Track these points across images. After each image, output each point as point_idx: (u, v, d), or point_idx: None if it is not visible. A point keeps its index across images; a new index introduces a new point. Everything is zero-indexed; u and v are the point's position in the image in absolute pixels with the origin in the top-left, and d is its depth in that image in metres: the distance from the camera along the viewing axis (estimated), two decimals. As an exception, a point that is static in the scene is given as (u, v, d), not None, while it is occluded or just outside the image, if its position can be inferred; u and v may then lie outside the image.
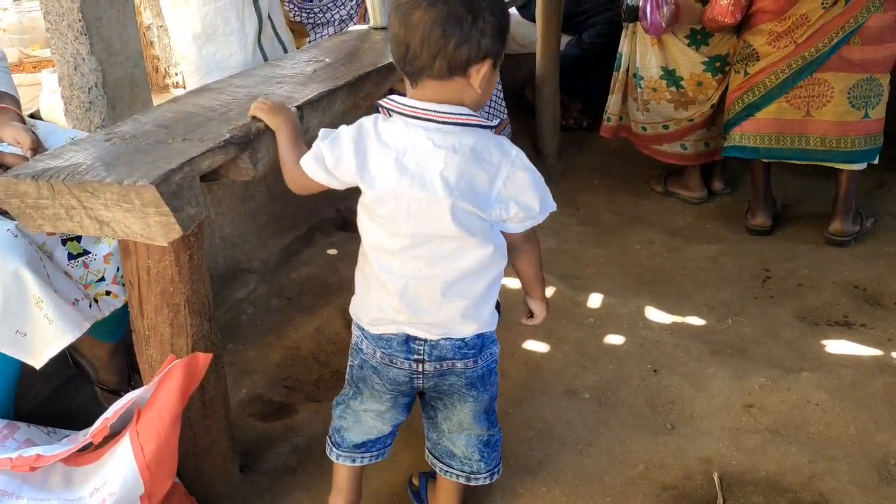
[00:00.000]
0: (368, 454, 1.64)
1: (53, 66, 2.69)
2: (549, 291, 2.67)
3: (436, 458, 1.64)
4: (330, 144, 1.37)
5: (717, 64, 3.06)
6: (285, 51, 2.77)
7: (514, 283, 2.69)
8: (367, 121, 1.38)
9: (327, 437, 1.67)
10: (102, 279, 1.67)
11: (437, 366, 1.46)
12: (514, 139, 3.60)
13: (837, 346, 2.32)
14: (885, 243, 2.92)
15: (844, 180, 2.91)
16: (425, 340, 1.45)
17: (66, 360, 2.02)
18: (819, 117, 2.81)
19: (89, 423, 1.48)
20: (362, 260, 1.48)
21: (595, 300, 2.61)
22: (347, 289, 2.66)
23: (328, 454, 1.66)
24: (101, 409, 1.55)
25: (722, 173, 3.43)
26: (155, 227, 1.29)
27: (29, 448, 1.49)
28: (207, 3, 2.50)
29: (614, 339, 2.39)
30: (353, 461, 1.64)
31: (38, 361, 1.57)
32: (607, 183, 3.58)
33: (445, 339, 1.45)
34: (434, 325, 1.43)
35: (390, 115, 1.36)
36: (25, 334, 1.54)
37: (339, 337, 2.42)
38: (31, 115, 2.33)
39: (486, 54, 1.30)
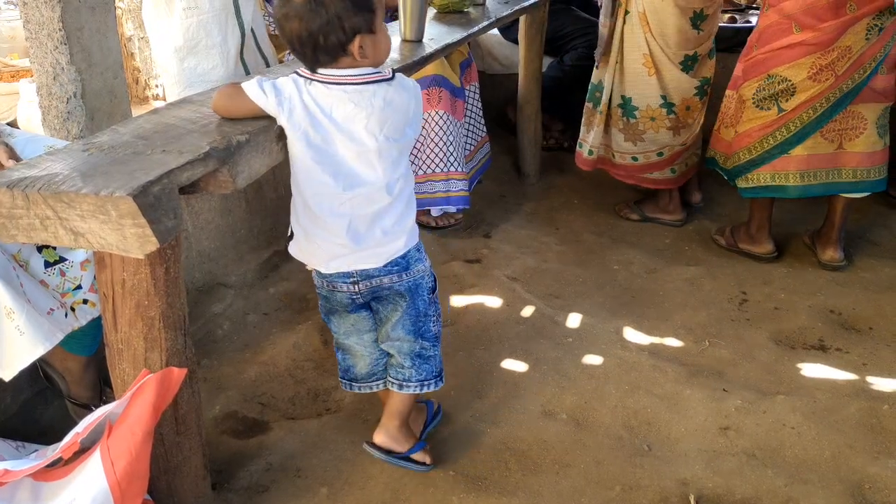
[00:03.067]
0: (380, 380, 1.91)
1: (32, 76, 2.66)
2: (528, 310, 2.67)
3: (386, 372, 1.92)
4: (272, 87, 1.58)
5: (705, 87, 3.12)
6: (268, 65, 2.77)
7: (494, 303, 2.70)
8: (297, 80, 1.60)
9: (341, 381, 1.95)
10: (79, 287, 1.65)
11: (368, 283, 1.75)
12: (495, 158, 3.66)
13: (813, 370, 2.34)
14: (861, 269, 2.95)
15: (842, 208, 2.90)
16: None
17: (37, 374, 1.99)
18: (851, 149, 2.78)
19: (59, 438, 1.45)
20: (299, 210, 1.69)
21: (574, 320, 2.61)
22: (325, 305, 2.65)
23: (350, 390, 1.95)
24: (72, 424, 1.52)
25: (699, 185, 3.47)
26: (131, 239, 1.27)
27: (-4, 463, 1.46)
28: (190, 16, 2.49)
29: (592, 360, 2.39)
30: (371, 388, 1.92)
31: (7, 373, 1.54)
32: (587, 203, 3.60)
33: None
34: (374, 248, 1.70)
35: (311, 82, 1.59)
36: (-5, 346, 1.51)
37: (317, 354, 2.40)
38: (9, 125, 2.30)
39: (354, 31, 1.55)
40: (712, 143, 3.08)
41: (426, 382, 1.87)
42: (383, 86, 1.62)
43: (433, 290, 1.86)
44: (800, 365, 2.36)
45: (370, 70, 1.61)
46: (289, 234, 1.78)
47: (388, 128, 1.62)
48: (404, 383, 1.87)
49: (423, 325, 1.84)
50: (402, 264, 1.76)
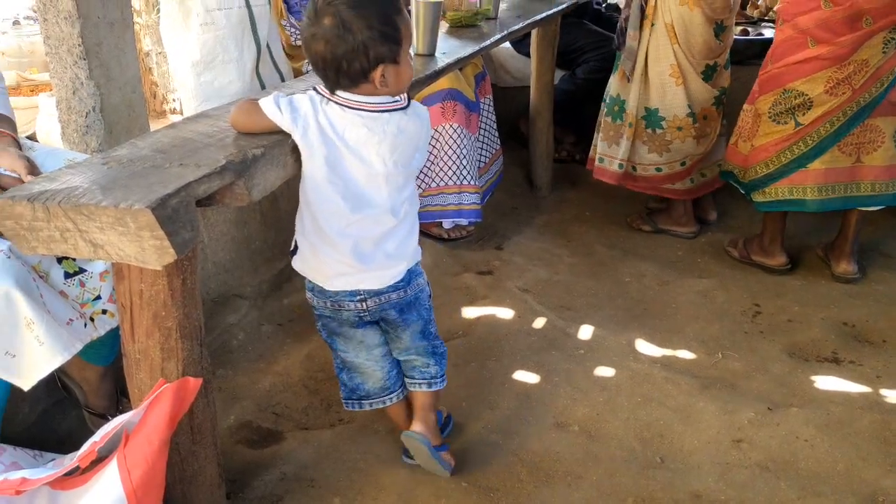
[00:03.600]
0: (393, 393, 1.94)
1: (51, 90, 2.70)
2: (540, 322, 2.68)
3: (405, 376, 1.96)
4: (288, 104, 1.59)
5: (722, 97, 3.15)
6: (283, 79, 2.80)
7: (506, 315, 2.71)
8: (314, 98, 1.62)
9: (345, 402, 1.96)
10: (98, 297, 1.67)
11: (377, 300, 1.78)
12: (507, 170, 3.67)
13: (826, 383, 2.33)
14: (875, 281, 2.95)
15: (855, 221, 2.90)
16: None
17: (55, 384, 2.01)
18: (870, 163, 2.78)
19: (76, 447, 1.47)
20: (307, 226, 1.72)
21: (586, 332, 2.62)
22: (339, 316, 2.66)
23: (360, 410, 1.95)
24: (89, 434, 1.54)
25: (714, 203, 3.47)
26: (149, 250, 1.30)
27: (15, 471, 1.48)
28: (207, 31, 2.52)
29: (604, 372, 2.39)
30: (384, 403, 1.94)
31: (26, 383, 1.56)
32: (599, 215, 3.61)
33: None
34: (378, 271, 1.73)
35: (328, 102, 1.61)
36: (15, 356, 1.53)
37: (329, 365, 2.41)
38: (28, 138, 2.34)
39: (378, 61, 1.56)
40: (728, 157, 3.08)
41: (444, 375, 1.96)
42: (398, 114, 1.64)
43: (430, 295, 1.92)
44: (813, 377, 2.36)
45: (387, 99, 1.63)
46: (292, 247, 1.80)
47: (398, 154, 1.65)
48: (432, 381, 1.93)
49: (430, 328, 1.91)
50: (405, 279, 1.80)
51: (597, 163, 3.36)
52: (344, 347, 1.89)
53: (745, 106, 2.99)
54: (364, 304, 1.78)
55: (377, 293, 1.77)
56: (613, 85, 3.25)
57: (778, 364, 2.43)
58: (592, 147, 3.40)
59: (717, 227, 3.43)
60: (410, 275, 1.81)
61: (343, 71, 1.57)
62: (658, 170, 3.23)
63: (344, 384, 1.95)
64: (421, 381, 1.94)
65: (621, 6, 4.64)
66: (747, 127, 2.97)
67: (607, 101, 3.28)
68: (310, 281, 1.81)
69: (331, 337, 1.89)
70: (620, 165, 3.27)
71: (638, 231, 3.41)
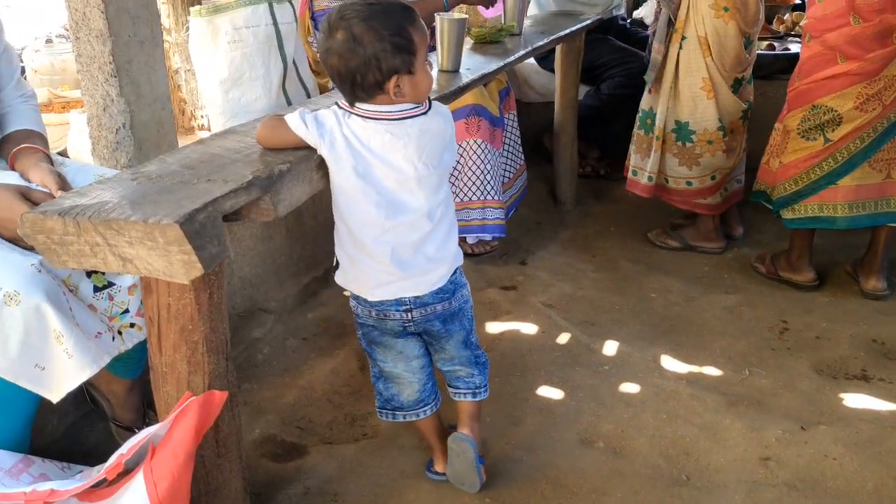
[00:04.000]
0: (427, 406, 1.93)
1: (82, 107, 2.75)
2: (564, 337, 2.67)
3: (449, 386, 1.97)
4: (314, 119, 1.61)
5: (748, 111, 3.13)
6: (308, 95, 2.83)
7: (530, 330, 2.70)
8: (337, 112, 1.64)
9: (380, 411, 1.95)
10: (127, 311, 1.69)
11: (423, 311, 1.78)
12: (531, 185, 3.67)
13: (855, 400, 2.30)
14: (905, 297, 2.91)
15: (885, 236, 2.86)
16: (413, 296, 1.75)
17: (83, 396, 2.04)
18: None
19: (104, 460, 1.48)
20: (343, 238, 1.72)
21: (610, 347, 2.60)
22: (363, 331, 2.67)
23: (393, 420, 1.95)
24: (116, 446, 1.56)
25: (740, 218, 3.45)
26: (177, 264, 1.31)
27: (43, 482, 1.50)
28: (234, 49, 2.56)
29: (629, 388, 2.37)
30: (418, 415, 1.93)
31: (55, 395, 1.58)
32: (624, 231, 3.59)
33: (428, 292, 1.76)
34: (420, 276, 1.73)
35: (349, 116, 1.62)
36: (44, 368, 1.55)
37: (354, 379, 2.42)
38: (59, 154, 2.38)
39: (392, 72, 1.57)
40: (760, 177, 3.06)
41: (487, 385, 1.98)
42: (420, 118, 1.65)
43: (472, 305, 1.93)
44: (842, 395, 2.32)
45: (407, 106, 1.64)
46: (334, 263, 1.81)
47: (426, 155, 1.65)
48: (476, 390, 1.95)
49: (472, 337, 1.93)
50: (450, 290, 1.80)
51: (629, 175, 3.37)
52: (383, 357, 1.89)
53: (777, 125, 2.97)
54: (409, 314, 1.78)
55: (423, 304, 1.77)
56: (646, 98, 3.25)
57: (806, 381, 2.40)
58: (627, 158, 3.41)
59: (744, 243, 3.40)
60: (455, 286, 1.82)
61: (358, 83, 1.59)
62: (689, 184, 3.20)
63: (380, 393, 1.95)
64: (466, 391, 1.95)
65: (647, 21, 4.65)
66: (776, 144, 2.96)
67: (640, 113, 3.28)
68: None
69: (370, 346, 1.89)
70: (650, 178, 3.26)
71: (662, 247, 3.38)
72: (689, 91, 3.07)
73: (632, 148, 3.34)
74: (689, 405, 2.28)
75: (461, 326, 1.87)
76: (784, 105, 2.93)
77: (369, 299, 1.77)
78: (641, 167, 3.29)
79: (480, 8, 3.51)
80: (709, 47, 2.99)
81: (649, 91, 3.20)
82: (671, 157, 3.19)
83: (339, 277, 1.81)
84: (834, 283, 3.01)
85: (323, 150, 1.61)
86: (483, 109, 3.06)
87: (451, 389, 1.97)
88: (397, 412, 1.94)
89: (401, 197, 1.66)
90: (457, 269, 1.83)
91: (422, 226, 1.70)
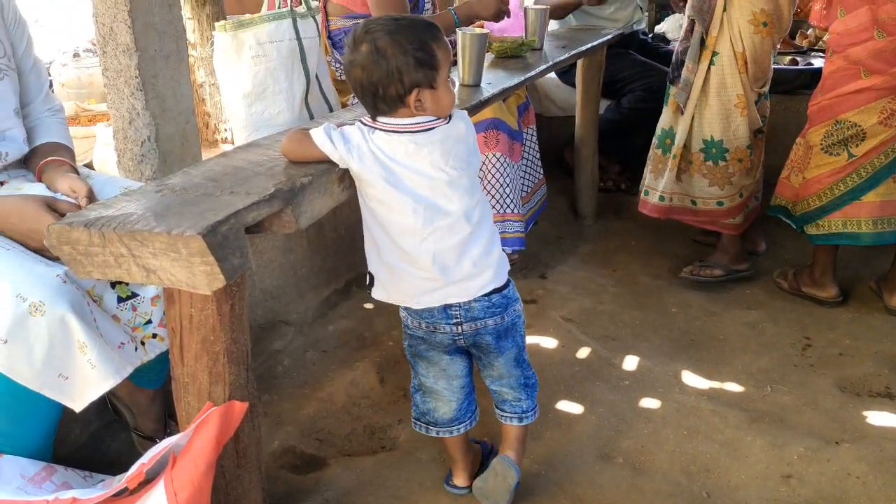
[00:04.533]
0: (462, 424, 1.92)
1: (108, 120, 2.79)
2: (584, 352, 2.66)
3: (496, 407, 1.96)
4: (341, 136, 1.62)
5: (764, 126, 3.09)
6: (331, 109, 2.85)
7: (549, 344, 2.69)
8: (361, 128, 1.64)
9: (414, 422, 1.95)
10: (149, 321, 1.71)
11: (473, 325, 1.76)
12: (552, 199, 3.67)
13: (879, 418, 2.27)
14: (930, 314, 2.87)
15: None
16: (460, 305, 1.74)
17: (106, 406, 2.06)
18: None
19: (125, 469, 1.50)
20: (382, 250, 1.71)
21: (631, 362, 2.59)
22: (382, 343, 2.69)
23: (426, 433, 1.94)
24: (137, 456, 1.57)
25: (763, 233, 3.41)
26: (200, 276, 1.32)
27: (65, 491, 1.52)
28: (258, 64, 2.59)
29: (650, 403, 2.36)
30: (451, 433, 1.92)
31: (78, 405, 1.60)
32: (645, 245, 3.58)
33: (476, 300, 1.74)
34: (466, 281, 1.71)
35: (373, 131, 1.63)
36: (67, 378, 1.57)
37: (373, 391, 2.43)
38: (86, 166, 2.42)
39: (413, 86, 1.59)
40: (779, 191, 3.03)
41: (535, 410, 1.96)
42: (440, 127, 1.66)
43: (524, 322, 1.91)
44: (865, 413, 2.29)
45: (428, 118, 1.65)
46: (367, 281, 1.79)
47: (452, 159, 1.65)
48: (523, 415, 1.93)
49: (523, 355, 1.91)
50: (502, 305, 1.78)
51: (641, 195, 3.30)
52: (425, 372, 1.88)
53: (798, 140, 2.95)
54: (460, 327, 1.76)
55: (473, 318, 1.75)
56: (665, 117, 3.18)
57: (829, 398, 2.37)
58: (643, 179, 3.34)
59: (766, 258, 3.37)
60: (507, 300, 1.79)
61: (380, 96, 1.61)
62: (720, 203, 3.09)
63: (416, 405, 1.95)
64: (512, 416, 1.94)
65: (669, 37, 4.65)
66: (797, 159, 2.93)
67: (658, 133, 3.22)
68: None
69: (414, 358, 1.89)
70: (661, 198, 3.18)
71: (683, 260, 3.29)
72: (723, 108, 2.96)
73: (648, 167, 3.28)
74: (711, 421, 2.26)
75: (513, 343, 1.85)
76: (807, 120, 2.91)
77: (414, 308, 1.76)
78: (653, 187, 3.22)
79: (488, 23, 3.52)
80: (745, 63, 2.91)
81: (678, 110, 3.09)
82: (700, 178, 3.08)
83: (379, 293, 1.79)
84: (857, 300, 2.98)
85: (352, 166, 1.62)
86: (502, 123, 3.07)
87: (497, 411, 1.96)
88: (431, 427, 1.93)
89: (436, 201, 1.65)
90: (509, 282, 1.81)
91: (461, 228, 1.68)
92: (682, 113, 3.06)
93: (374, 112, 1.65)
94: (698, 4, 2.94)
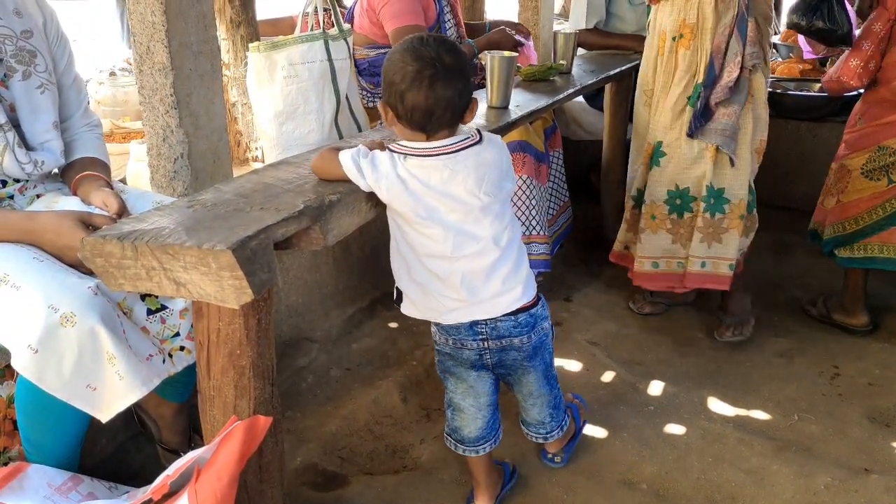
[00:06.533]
0: (487, 443, 1.94)
1: (141, 138, 2.84)
2: (609, 376, 2.64)
3: (521, 423, 2.05)
4: (370, 164, 1.62)
5: None
6: (360, 129, 2.88)
7: (573, 367, 2.68)
8: (392, 156, 1.64)
9: (446, 437, 1.98)
10: (178, 334, 1.73)
11: (499, 342, 1.79)
12: (578, 223, 3.67)
13: (910, 450, 2.23)
14: (963, 345, 2.82)
15: None
16: (486, 322, 1.76)
17: (132, 418, 2.08)
18: None
19: (150, 481, 1.51)
20: (413, 268, 1.73)
21: (656, 388, 2.57)
22: (406, 362, 2.69)
23: (454, 450, 1.96)
24: (162, 468, 1.58)
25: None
26: (228, 290, 1.34)
27: (91, 501, 1.54)
28: (290, 84, 2.63)
29: (675, 429, 2.34)
30: (477, 452, 1.94)
31: (105, 416, 1.61)
32: (671, 271, 3.55)
33: (503, 317, 1.76)
34: (494, 298, 1.73)
35: (405, 158, 1.63)
36: (95, 389, 1.59)
37: (396, 410, 2.43)
38: (120, 181, 2.46)
39: (471, 98, 1.68)
40: (815, 217, 3.03)
41: (563, 424, 2.04)
42: (474, 148, 1.67)
43: (553, 338, 1.94)
44: (894, 443, 2.25)
45: (460, 137, 1.67)
46: (395, 296, 1.82)
47: (486, 185, 1.66)
48: (548, 435, 2.02)
49: (551, 371, 1.94)
50: (529, 324, 1.80)
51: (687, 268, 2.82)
52: (453, 388, 1.91)
53: (833, 165, 2.94)
54: (486, 343, 1.79)
55: (499, 335, 1.78)
56: (664, 176, 2.77)
57: (857, 428, 2.33)
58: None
59: (795, 286, 3.34)
60: (535, 319, 1.81)
61: (437, 116, 1.63)
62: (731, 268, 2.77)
63: (448, 420, 1.97)
64: (536, 436, 2.03)
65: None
66: (831, 183, 2.93)
67: (667, 193, 2.78)
68: None
69: (444, 374, 1.92)
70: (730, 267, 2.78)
71: (742, 338, 2.88)
72: (749, 153, 2.68)
73: (665, 237, 2.84)
74: (736, 449, 2.23)
75: (541, 361, 1.88)
76: (840, 146, 2.91)
77: (443, 323, 1.78)
78: (697, 255, 2.76)
79: None
80: (764, 105, 2.73)
81: (733, 165, 2.66)
82: (744, 238, 2.79)
83: (408, 309, 1.82)
84: (887, 329, 2.93)
85: (381, 195, 1.63)
86: (528, 146, 3.08)
87: (523, 427, 2.04)
88: (458, 444, 1.95)
89: (466, 228, 1.67)
90: (539, 298, 1.84)
91: (490, 252, 1.70)
92: (733, 165, 2.65)
93: (421, 133, 1.65)
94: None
